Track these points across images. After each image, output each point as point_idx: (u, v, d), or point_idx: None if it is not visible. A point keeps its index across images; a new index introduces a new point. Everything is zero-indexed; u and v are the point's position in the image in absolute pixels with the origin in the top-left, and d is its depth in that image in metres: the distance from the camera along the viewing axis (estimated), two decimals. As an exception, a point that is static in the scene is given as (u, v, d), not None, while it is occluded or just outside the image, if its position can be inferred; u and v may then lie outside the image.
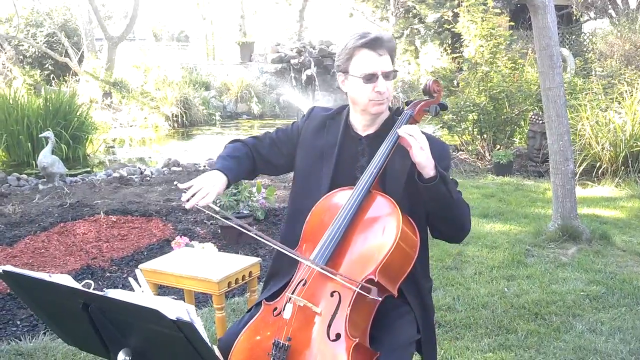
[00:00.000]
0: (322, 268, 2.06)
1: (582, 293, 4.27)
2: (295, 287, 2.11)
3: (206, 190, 2.18)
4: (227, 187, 2.31)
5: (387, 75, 2.25)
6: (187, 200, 2.16)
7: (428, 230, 2.32)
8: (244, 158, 2.42)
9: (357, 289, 2.00)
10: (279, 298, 2.18)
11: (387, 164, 2.22)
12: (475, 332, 3.72)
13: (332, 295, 2.05)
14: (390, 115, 2.37)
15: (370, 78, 2.23)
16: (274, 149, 2.48)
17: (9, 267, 1.57)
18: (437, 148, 2.27)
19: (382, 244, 2.08)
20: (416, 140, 2.11)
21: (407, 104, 2.38)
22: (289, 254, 2.15)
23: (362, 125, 2.38)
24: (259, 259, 3.25)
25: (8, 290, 4.28)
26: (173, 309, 1.35)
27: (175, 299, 1.64)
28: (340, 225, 2.13)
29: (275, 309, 2.14)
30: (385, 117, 2.37)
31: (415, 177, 2.15)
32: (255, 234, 2.17)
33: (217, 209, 2.17)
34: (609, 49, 11.73)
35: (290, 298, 2.08)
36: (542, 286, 4.40)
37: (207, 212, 2.17)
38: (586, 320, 3.86)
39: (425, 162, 2.12)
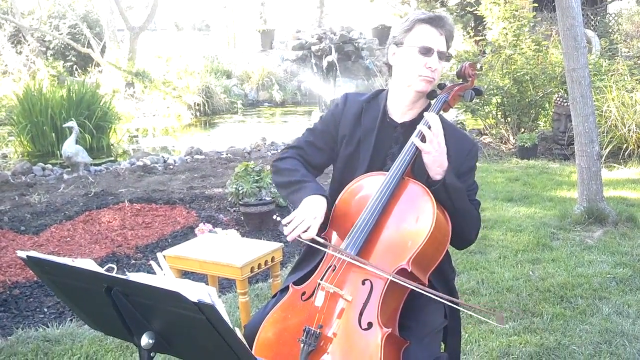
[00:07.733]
0: (353, 258, 2.02)
1: (608, 276, 4.22)
2: (325, 273, 2.07)
3: (308, 223, 2.08)
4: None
5: (441, 55, 2.22)
6: (289, 233, 2.09)
7: None
8: (310, 173, 2.34)
9: (391, 277, 1.96)
10: (307, 282, 2.14)
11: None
12: (500, 315, 3.69)
13: (363, 284, 2.01)
14: (428, 102, 2.31)
15: (426, 51, 2.19)
16: (316, 153, 2.39)
17: (32, 253, 1.58)
18: (465, 146, 2.25)
19: (417, 233, 2.03)
20: (425, 143, 2.06)
21: (440, 87, 2.31)
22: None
23: (400, 109, 2.31)
24: (281, 244, 3.27)
25: (35, 278, 4.34)
26: (194, 291, 1.35)
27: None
28: (373, 213, 2.08)
29: (304, 293, 2.11)
30: (425, 106, 2.30)
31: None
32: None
33: (322, 240, 2.08)
34: (635, 30, 11.52)
35: (320, 284, 2.04)
36: (568, 269, 4.36)
37: (309, 243, 2.10)
38: (612, 303, 3.82)
39: (431, 164, 2.09)
